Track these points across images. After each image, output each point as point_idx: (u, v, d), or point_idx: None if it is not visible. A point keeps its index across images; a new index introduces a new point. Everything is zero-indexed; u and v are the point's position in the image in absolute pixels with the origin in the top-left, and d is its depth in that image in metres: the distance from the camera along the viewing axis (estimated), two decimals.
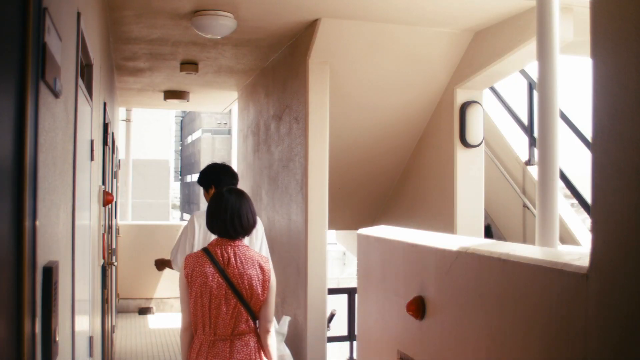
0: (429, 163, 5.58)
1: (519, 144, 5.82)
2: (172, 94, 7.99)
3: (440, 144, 5.37)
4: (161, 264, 4.52)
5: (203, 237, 3.90)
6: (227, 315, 2.84)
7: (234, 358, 2.83)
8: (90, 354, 2.97)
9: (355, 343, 5.75)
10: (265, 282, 2.92)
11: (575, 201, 5.28)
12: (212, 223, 2.99)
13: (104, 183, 4.16)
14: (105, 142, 4.12)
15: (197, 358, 2.85)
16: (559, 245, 3.52)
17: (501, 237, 5.89)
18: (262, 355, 2.94)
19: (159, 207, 25.59)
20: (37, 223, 1.32)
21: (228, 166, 4.22)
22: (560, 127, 3.42)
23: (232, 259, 2.90)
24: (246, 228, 2.99)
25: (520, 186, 5.71)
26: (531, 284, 1.65)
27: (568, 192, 5.27)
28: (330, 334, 5.13)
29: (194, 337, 2.93)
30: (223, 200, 3.00)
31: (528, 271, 1.66)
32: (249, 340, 2.89)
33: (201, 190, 4.36)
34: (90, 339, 2.99)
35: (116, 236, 7.26)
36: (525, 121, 5.69)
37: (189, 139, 49.04)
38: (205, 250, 2.94)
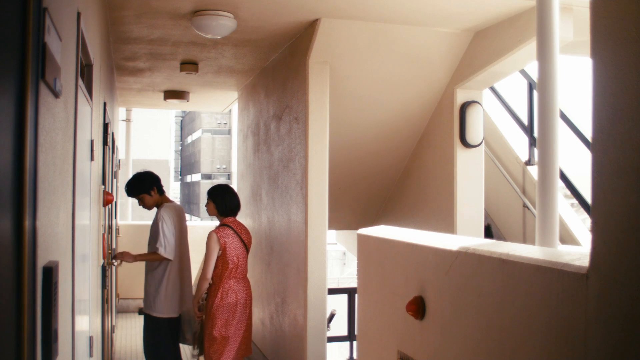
0: (429, 163, 5.58)
1: (519, 144, 5.82)
2: (172, 94, 7.98)
3: (440, 144, 5.37)
4: (127, 256, 4.95)
5: (177, 225, 4.92)
6: (244, 263, 4.69)
7: (248, 288, 4.73)
8: (90, 354, 2.97)
9: (355, 343, 5.75)
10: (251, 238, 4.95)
11: (575, 201, 5.28)
12: (228, 210, 4.74)
13: (104, 183, 4.16)
14: (105, 142, 4.12)
15: (230, 292, 4.55)
16: (559, 245, 3.52)
17: (501, 237, 5.89)
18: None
19: None
20: (37, 223, 1.32)
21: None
22: (560, 127, 3.42)
23: (242, 229, 4.76)
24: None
25: (520, 186, 5.71)
26: (531, 284, 1.65)
27: (568, 192, 5.27)
28: (330, 334, 5.13)
29: (226, 280, 4.55)
30: (234, 195, 4.83)
31: (528, 271, 1.66)
32: (248, 277, 4.83)
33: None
34: (90, 339, 2.99)
35: (116, 236, 7.24)
36: (525, 121, 5.69)
37: (189, 139, 49.04)
38: (227, 226, 4.66)
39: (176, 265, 4.84)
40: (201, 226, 9.39)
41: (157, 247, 4.73)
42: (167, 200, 5.01)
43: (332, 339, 5.52)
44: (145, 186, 4.87)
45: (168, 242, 4.75)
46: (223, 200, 4.71)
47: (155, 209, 4.99)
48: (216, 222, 4.93)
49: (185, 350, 5.53)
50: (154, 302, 4.79)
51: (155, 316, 4.79)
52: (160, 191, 4.97)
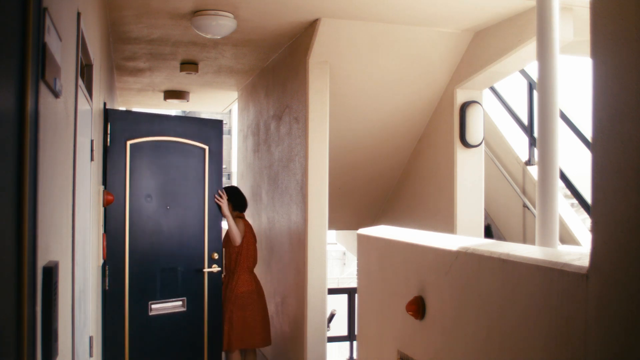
0: (429, 163, 5.58)
1: (519, 144, 5.82)
2: (172, 94, 7.98)
3: (440, 144, 5.37)
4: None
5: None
6: (256, 255, 5.13)
7: (257, 278, 5.09)
8: (90, 354, 2.97)
9: (355, 343, 5.75)
10: None
11: (575, 201, 5.28)
12: (240, 206, 5.10)
13: (104, 183, 4.16)
14: (105, 142, 4.12)
15: (251, 281, 4.95)
16: (559, 245, 3.52)
17: (501, 237, 5.89)
18: None
19: None
20: (37, 223, 1.32)
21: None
22: (560, 127, 3.41)
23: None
24: None
25: (520, 186, 5.71)
26: (531, 284, 1.65)
27: (568, 192, 5.27)
28: (330, 334, 5.14)
29: (249, 269, 4.98)
30: (243, 195, 5.18)
31: (528, 271, 1.66)
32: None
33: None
34: (91, 338, 2.99)
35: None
36: (525, 121, 5.69)
37: None
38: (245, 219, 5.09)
39: None
40: None
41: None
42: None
43: (332, 339, 5.52)
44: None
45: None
46: (238, 198, 5.12)
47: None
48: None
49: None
50: None
51: None
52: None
